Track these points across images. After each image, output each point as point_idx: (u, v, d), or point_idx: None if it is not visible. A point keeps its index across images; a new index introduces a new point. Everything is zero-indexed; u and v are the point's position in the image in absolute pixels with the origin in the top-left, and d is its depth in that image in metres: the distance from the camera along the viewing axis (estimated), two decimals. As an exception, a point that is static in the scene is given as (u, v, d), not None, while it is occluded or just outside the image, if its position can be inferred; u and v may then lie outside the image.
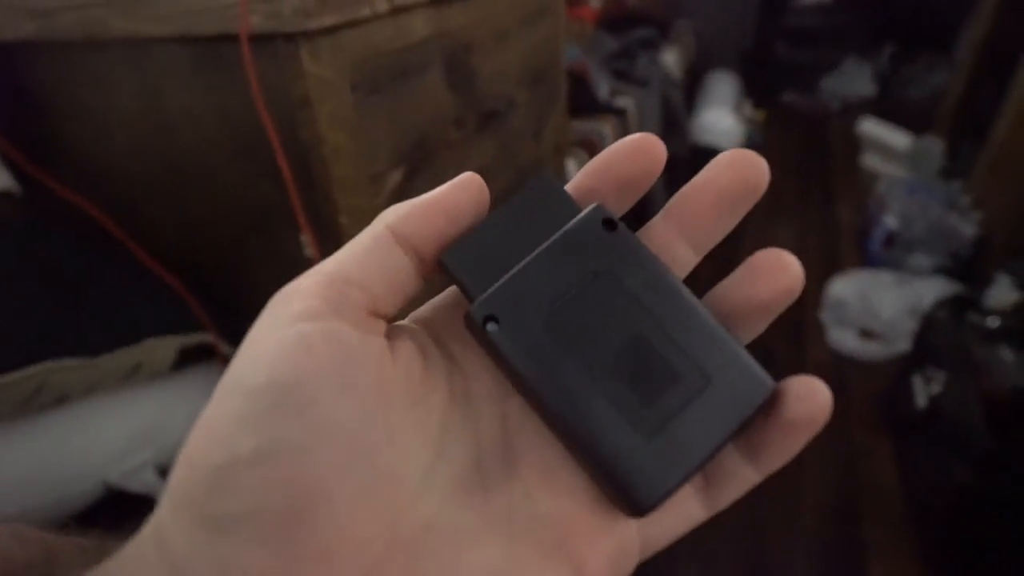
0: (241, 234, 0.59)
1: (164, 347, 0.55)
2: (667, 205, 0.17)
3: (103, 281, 0.54)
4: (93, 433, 0.52)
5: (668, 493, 0.14)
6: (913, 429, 1.00)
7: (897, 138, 1.97)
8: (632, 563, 0.15)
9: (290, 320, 0.12)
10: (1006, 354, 0.89)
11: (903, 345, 1.20)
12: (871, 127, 2.05)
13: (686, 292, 0.15)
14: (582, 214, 0.15)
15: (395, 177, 0.58)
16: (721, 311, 0.15)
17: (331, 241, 0.54)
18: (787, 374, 0.15)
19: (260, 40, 0.43)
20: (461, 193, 0.15)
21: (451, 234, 0.15)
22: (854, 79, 2.61)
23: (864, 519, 0.95)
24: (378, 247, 0.14)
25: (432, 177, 0.64)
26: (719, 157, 0.16)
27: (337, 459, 0.11)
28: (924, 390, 0.99)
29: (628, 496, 0.13)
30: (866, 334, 1.31)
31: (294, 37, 0.43)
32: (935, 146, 1.81)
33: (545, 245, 0.15)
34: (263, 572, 0.11)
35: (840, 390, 1.21)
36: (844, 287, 1.40)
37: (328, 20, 0.43)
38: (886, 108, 2.29)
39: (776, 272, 0.15)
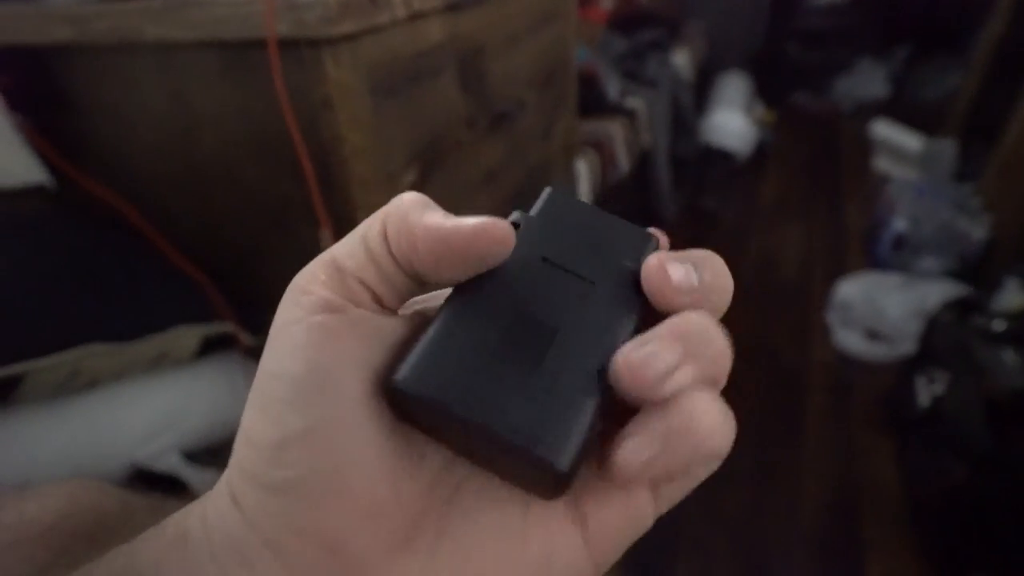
0: (261, 228, 0.62)
1: (188, 336, 0.57)
2: None
3: (131, 272, 0.57)
4: (121, 416, 0.55)
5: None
6: (914, 429, 1.01)
7: (909, 140, 1.97)
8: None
9: (312, 310, 0.14)
10: (1009, 357, 0.90)
11: (908, 347, 1.21)
12: (883, 129, 2.04)
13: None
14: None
15: (410, 176, 0.61)
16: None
17: (348, 237, 0.56)
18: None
19: (286, 46, 0.45)
20: (481, 238, 0.15)
21: (450, 272, 0.15)
22: (867, 80, 2.60)
23: (863, 516, 0.97)
24: (373, 254, 0.15)
25: (445, 176, 0.66)
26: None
27: (366, 430, 0.14)
28: (927, 390, 1.00)
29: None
30: (872, 335, 1.32)
31: (318, 43, 0.45)
32: (947, 148, 1.81)
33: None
34: (316, 522, 0.13)
35: (844, 390, 1.22)
36: (851, 289, 1.41)
37: (350, 27, 0.45)
38: (899, 109, 2.28)
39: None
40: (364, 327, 0.15)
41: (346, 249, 0.16)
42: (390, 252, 0.15)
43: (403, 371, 0.14)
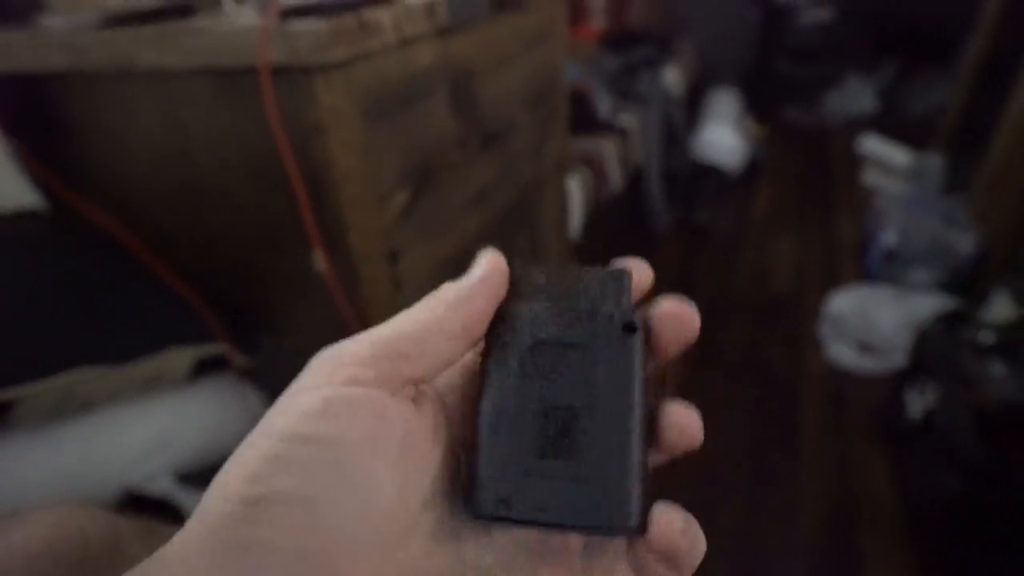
0: (254, 249, 0.62)
1: (182, 357, 0.57)
2: None
3: (125, 294, 0.57)
4: (114, 439, 0.55)
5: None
6: (908, 440, 1.02)
7: (897, 155, 1.99)
8: None
9: (340, 381, 0.14)
10: (998, 369, 0.91)
11: (900, 359, 1.21)
12: (872, 144, 2.07)
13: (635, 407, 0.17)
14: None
15: (401, 197, 0.61)
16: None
17: (340, 257, 0.57)
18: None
19: (278, 72, 0.46)
20: (496, 276, 0.17)
21: (491, 310, 0.17)
22: (856, 95, 2.64)
23: (860, 528, 0.97)
24: (435, 327, 0.16)
25: (437, 196, 0.67)
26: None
27: (360, 511, 0.13)
28: (919, 401, 1.00)
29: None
30: (864, 348, 1.33)
31: (309, 69, 0.46)
32: (935, 162, 1.83)
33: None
34: None
35: (837, 403, 1.22)
36: (843, 302, 1.41)
37: (341, 54, 0.46)
38: (888, 123, 2.31)
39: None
40: (384, 410, 0.15)
41: (399, 327, 0.16)
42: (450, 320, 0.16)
43: (479, 497, 0.16)
